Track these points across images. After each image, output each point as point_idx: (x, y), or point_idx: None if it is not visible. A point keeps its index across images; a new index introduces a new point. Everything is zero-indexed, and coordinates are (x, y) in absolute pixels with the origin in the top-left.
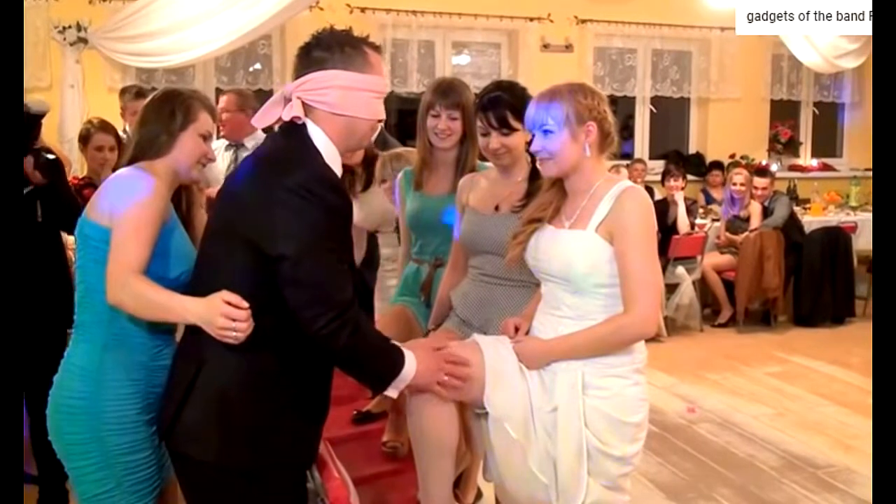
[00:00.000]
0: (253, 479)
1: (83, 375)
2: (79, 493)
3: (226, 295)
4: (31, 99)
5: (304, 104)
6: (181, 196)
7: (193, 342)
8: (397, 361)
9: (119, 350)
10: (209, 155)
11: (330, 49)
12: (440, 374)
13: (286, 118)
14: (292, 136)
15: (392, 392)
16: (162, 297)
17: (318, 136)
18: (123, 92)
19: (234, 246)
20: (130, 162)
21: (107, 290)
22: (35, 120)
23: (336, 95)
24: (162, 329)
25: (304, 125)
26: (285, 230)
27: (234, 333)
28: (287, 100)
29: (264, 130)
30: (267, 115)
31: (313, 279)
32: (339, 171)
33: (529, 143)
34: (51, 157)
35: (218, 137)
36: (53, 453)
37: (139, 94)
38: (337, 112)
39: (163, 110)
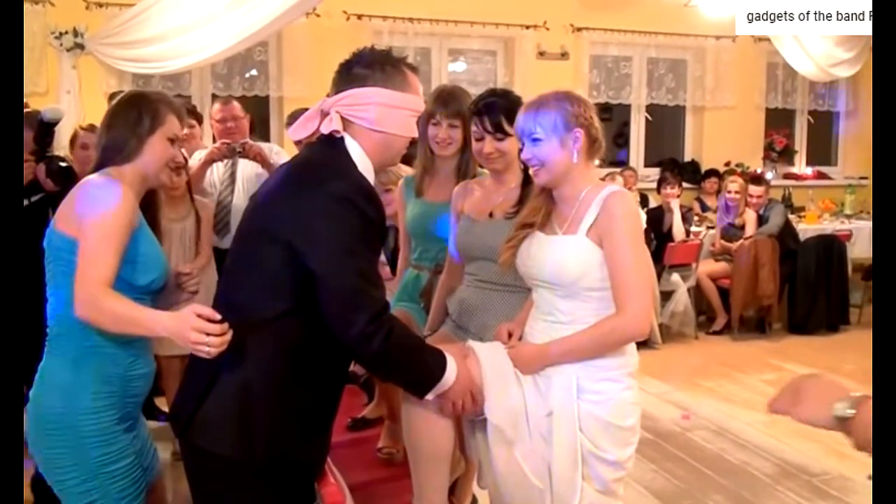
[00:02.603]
0: (264, 476)
1: (57, 390)
2: None
3: (198, 308)
4: (46, 107)
5: (342, 119)
6: (145, 198)
7: None
8: (437, 367)
9: (92, 362)
10: (177, 158)
11: (371, 67)
12: (467, 395)
13: (325, 131)
14: (330, 147)
15: (430, 396)
16: (132, 312)
17: (355, 150)
18: (111, 98)
19: (271, 250)
20: (98, 167)
21: (75, 305)
22: (48, 128)
23: (375, 112)
24: (135, 340)
25: (341, 139)
26: (323, 237)
27: (207, 348)
28: (325, 114)
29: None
30: (303, 128)
31: (348, 284)
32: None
33: (521, 151)
34: (63, 164)
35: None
36: None
37: None
38: (375, 128)
39: (129, 114)
